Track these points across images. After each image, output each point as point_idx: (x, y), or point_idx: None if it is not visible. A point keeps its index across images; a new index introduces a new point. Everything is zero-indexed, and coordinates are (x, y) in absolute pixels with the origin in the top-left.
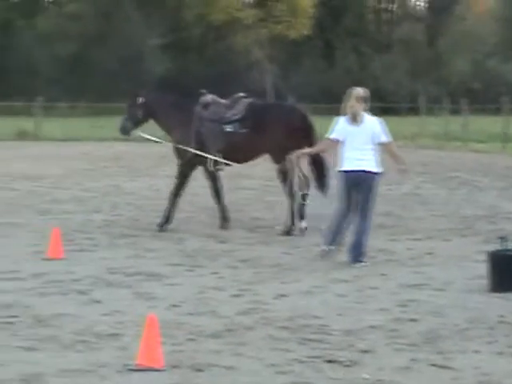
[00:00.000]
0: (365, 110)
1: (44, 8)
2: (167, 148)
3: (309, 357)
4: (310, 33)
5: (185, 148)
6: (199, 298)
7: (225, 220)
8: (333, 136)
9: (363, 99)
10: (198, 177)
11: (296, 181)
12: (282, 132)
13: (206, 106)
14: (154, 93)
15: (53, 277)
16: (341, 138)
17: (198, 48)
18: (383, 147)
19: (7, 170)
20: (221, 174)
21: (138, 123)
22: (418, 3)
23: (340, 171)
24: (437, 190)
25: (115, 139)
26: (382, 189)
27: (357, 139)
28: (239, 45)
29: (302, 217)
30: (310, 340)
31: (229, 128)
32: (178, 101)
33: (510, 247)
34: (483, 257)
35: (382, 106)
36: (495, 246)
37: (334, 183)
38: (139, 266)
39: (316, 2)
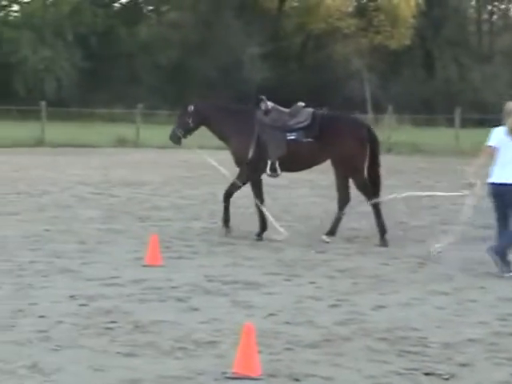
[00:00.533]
0: None
1: (145, 16)
2: None
3: (407, 369)
4: (410, 43)
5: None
6: (297, 307)
7: (262, 230)
8: (492, 143)
9: None
10: (295, 186)
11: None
12: (349, 144)
13: (267, 112)
14: (205, 101)
15: (152, 283)
16: (498, 147)
17: (297, 57)
18: None
19: (107, 177)
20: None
21: (188, 131)
22: None
23: (489, 183)
24: None
25: (216, 148)
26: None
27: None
28: (339, 54)
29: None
30: (408, 352)
31: (292, 136)
32: (232, 107)
33: None
34: None
35: (482, 117)
36: None
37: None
38: (237, 275)
39: (416, 12)
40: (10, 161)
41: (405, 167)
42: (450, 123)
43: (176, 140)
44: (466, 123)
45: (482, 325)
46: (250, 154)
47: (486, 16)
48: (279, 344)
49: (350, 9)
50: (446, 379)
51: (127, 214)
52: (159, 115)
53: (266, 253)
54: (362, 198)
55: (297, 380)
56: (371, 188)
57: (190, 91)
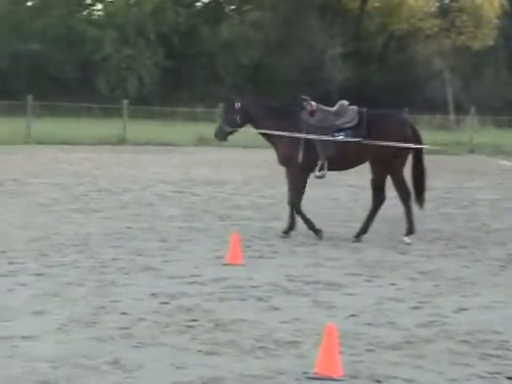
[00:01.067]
0: None
1: (227, 15)
2: None
3: (489, 373)
4: (494, 43)
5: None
6: (378, 308)
7: (317, 232)
8: None
9: None
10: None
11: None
12: (399, 142)
13: (312, 112)
14: (252, 99)
15: (232, 282)
16: None
17: (378, 57)
18: None
19: (188, 175)
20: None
21: (235, 128)
22: None
23: None
24: None
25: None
26: None
27: None
28: (420, 55)
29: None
30: (490, 355)
31: (340, 136)
32: (278, 107)
33: None
34: None
35: None
36: None
37: None
38: (318, 275)
39: (500, 12)
40: (92, 158)
41: (488, 169)
42: None
43: (222, 136)
44: None
45: None
46: (300, 155)
47: None
48: (360, 345)
49: (433, 9)
50: None
51: (208, 213)
52: None
53: (347, 253)
54: (445, 200)
55: (378, 381)
56: (416, 187)
57: (270, 91)
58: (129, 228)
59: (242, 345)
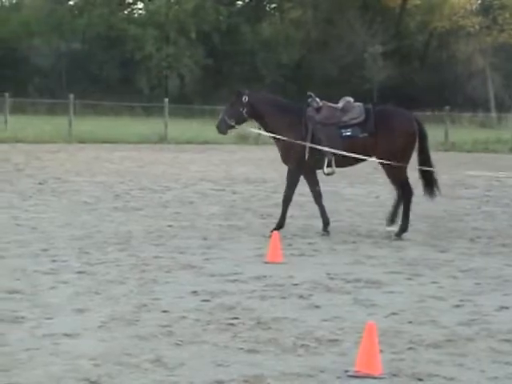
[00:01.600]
0: None
1: (268, 14)
2: None
3: None
4: None
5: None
6: (419, 306)
7: (325, 224)
8: None
9: None
10: (417, 185)
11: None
12: (402, 138)
13: (318, 109)
14: (258, 93)
15: (273, 280)
16: None
17: (419, 55)
18: None
19: (229, 174)
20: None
21: (240, 122)
22: None
23: None
24: None
25: None
26: None
27: None
28: (462, 53)
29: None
30: None
31: (348, 132)
32: (284, 103)
33: None
34: None
35: None
36: None
37: None
38: (359, 273)
39: None
40: (134, 157)
41: None
42: None
43: (225, 129)
44: None
45: None
46: (307, 152)
47: None
48: (401, 343)
49: (474, 7)
50: None
51: (249, 211)
52: None
53: (388, 251)
54: (487, 198)
55: (420, 380)
56: (425, 180)
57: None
58: (170, 226)
59: (283, 343)
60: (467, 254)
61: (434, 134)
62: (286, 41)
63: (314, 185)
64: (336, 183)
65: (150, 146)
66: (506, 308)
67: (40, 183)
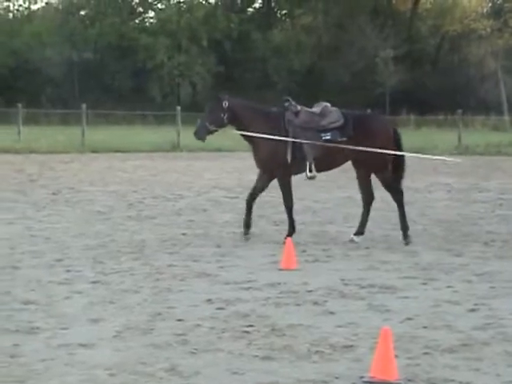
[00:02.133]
0: None
1: (279, 20)
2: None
3: None
4: None
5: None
6: (434, 311)
7: (293, 229)
8: None
9: None
10: (432, 190)
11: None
12: (379, 143)
13: (297, 113)
14: (237, 98)
15: (288, 287)
16: None
17: (431, 59)
18: None
19: (242, 181)
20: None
21: (220, 128)
22: None
23: None
24: None
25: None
26: None
27: None
28: (473, 56)
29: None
30: None
31: (327, 136)
32: (262, 108)
33: None
34: None
35: None
36: None
37: None
38: (373, 278)
39: None
40: (146, 165)
41: None
42: None
43: (203, 135)
44: None
45: None
46: (289, 157)
47: None
48: (417, 348)
49: (485, 10)
50: None
51: (262, 218)
52: None
53: (402, 256)
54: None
55: None
56: (395, 175)
57: (322, 95)
58: (184, 234)
59: (297, 350)
60: (482, 257)
61: (446, 137)
62: (297, 47)
63: (258, 190)
64: (349, 189)
65: (163, 155)
66: None
67: (54, 193)
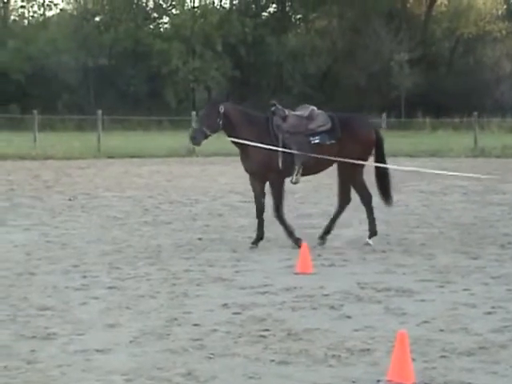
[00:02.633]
0: None
1: (294, 24)
2: (417, 163)
3: None
4: None
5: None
6: (451, 314)
7: (258, 239)
8: None
9: None
10: (448, 192)
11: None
12: (363, 145)
13: (285, 118)
14: (230, 103)
15: (304, 291)
16: None
17: (446, 62)
18: None
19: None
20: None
21: (214, 132)
22: None
23: None
24: None
25: None
26: None
27: None
28: (488, 58)
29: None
30: None
31: (316, 140)
32: (251, 113)
33: None
34: None
35: None
36: None
37: None
38: (390, 282)
39: None
40: (162, 170)
41: None
42: None
43: (200, 140)
44: None
45: None
46: (280, 161)
47: None
48: (433, 351)
49: (500, 12)
50: None
51: (277, 222)
52: None
53: (419, 260)
54: None
55: None
56: (380, 185)
57: (338, 98)
58: (200, 239)
59: (314, 354)
60: (499, 260)
61: (462, 140)
62: (312, 51)
63: (260, 197)
64: None
65: (179, 160)
66: None
67: (70, 199)
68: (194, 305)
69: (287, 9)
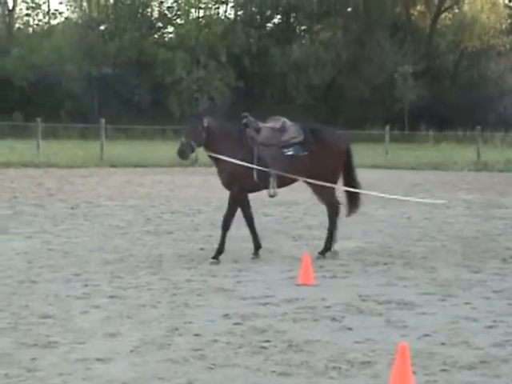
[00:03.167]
0: None
1: (298, 36)
2: (420, 176)
3: None
4: None
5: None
6: (452, 328)
7: (256, 248)
8: None
9: None
10: (450, 205)
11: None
12: (334, 157)
13: (258, 130)
14: (212, 117)
15: (305, 303)
16: None
17: (450, 75)
18: None
19: (260, 196)
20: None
21: (200, 146)
22: None
23: None
24: None
25: (372, 166)
26: None
27: None
28: (492, 72)
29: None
30: None
31: (290, 151)
32: (227, 126)
33: None
34: None
35: None
36: None
37: None
38: (391, 294)
39: None
40: (165, 180)
41: None
42: None
43: (187, 154)
44: None
45: None
46: (255, 174)
47: None
48: (434, 365)
49: (504, 26)
50: None
51: (280, 233)
52: None
53: (421, 272)
54: None
55: None
56: (347, 197)
57: (342, 110)
58: (201, 249)
59: (315, 365)
60: (500, 274)
61: (465, 153)
62: (317, 62)
63: (247, 208)
64: (365, 205)
65: (182, 170)
66: None
67: (72, 208)
68: (195, 315)
69: (292, 20)
